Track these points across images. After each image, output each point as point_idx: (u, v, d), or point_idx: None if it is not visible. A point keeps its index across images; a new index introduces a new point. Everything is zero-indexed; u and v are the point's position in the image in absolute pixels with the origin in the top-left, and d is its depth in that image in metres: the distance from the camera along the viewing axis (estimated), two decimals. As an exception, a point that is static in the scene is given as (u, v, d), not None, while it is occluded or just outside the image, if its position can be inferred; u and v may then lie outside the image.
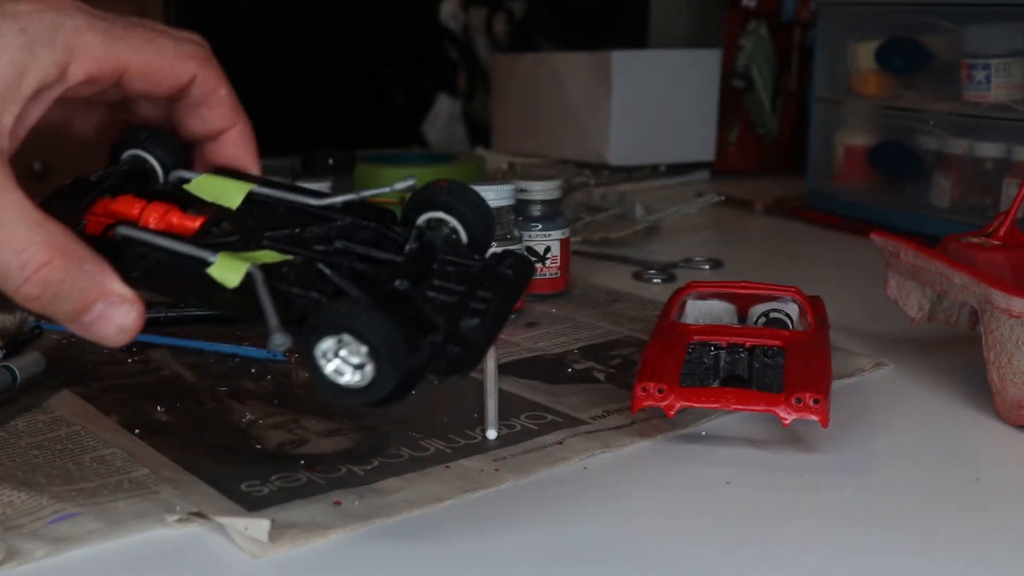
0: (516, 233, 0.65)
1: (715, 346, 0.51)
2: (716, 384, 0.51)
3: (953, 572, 0.37)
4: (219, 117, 0.44)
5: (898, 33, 0.93)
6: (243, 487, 0.42)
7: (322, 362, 0.35)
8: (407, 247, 0.40)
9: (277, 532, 0.38)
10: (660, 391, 0.46)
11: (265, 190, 0.43)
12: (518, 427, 0.49)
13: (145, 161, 0.44)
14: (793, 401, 0.45)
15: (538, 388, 0.54)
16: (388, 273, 0.38)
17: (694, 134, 1.25)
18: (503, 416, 0.49)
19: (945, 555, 0.38)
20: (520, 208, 0.70)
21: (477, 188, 0.64)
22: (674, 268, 0.80)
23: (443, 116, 1.54)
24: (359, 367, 0.35)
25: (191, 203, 0.43)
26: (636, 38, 1.44)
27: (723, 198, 1.05)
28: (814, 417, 0.45)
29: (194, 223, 0.42)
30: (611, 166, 1.23)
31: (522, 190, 0.70)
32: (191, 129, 0.45)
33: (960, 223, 0.82)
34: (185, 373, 0.56)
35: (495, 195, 0.64)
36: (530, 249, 0.69)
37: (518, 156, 1.31)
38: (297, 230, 0.41)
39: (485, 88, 1.51)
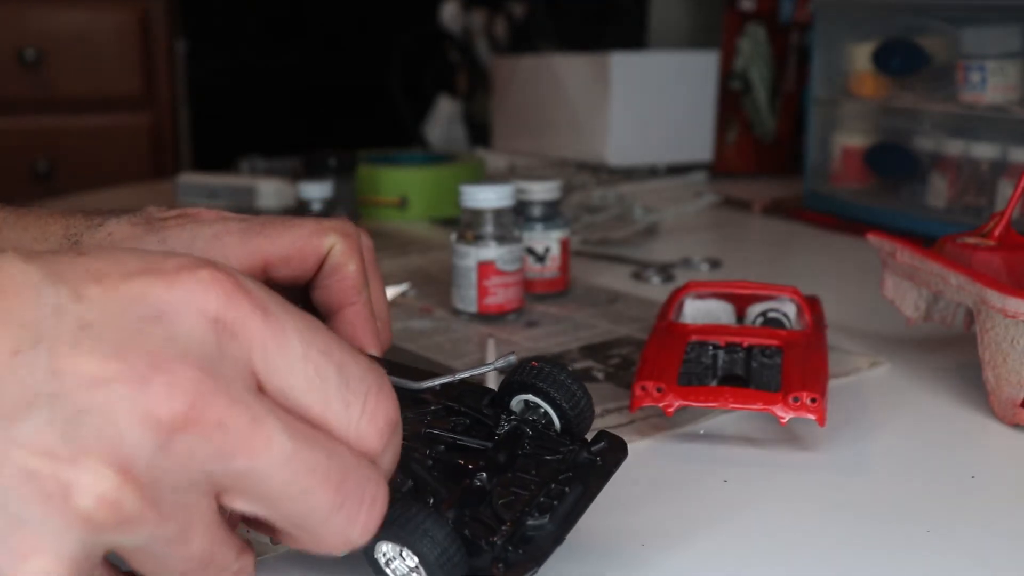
0: (516, 233, 0.66)
1: (713, 345, 0.51)
2: (714, 383, 0.51)
3: (949, 569, 0.38)
4: (342, 292, 0.45)
5: (895, 35, 0.93)
6: (247, 485, 0.42)
7: (382, 562, 0.35)
8: (497, 432, 0.39)
9: (281, 529, 0.38)
10: (659, 390, 0.46)
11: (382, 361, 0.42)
12: (518, 426, 0.49)
13: None
14: (790, 400, 0.45)
15: (538, 387, 0.54)
16: (473, 462, 0.37)
17: (692, 135, 1.26)
18: (503, 415, 0.49)
19: (941, 552, 0.39)
20: (520, 208, 0.70)
21: (478, 188, 0.65)
22: (673, 268, 0.81)
23: (443, 117, 1.55)
24: (414, 570, 0.34)
25: None
26: (635, 40, 1.44)
27: (721, 199, 1.06)
28: (811, 416, 0.45)
29: None
30: (610, 167, 1.23)
31: (522, 190, 0.70)
32: (321, 299, 0.46)
33: (956, 223, 0.83)
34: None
35: (495, 195, 0.65)
36: (530, 249, 0.70)
37: (518, 156, 1.31)
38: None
39: (485, 89, 1.51)
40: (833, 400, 0.51)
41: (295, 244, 0.44)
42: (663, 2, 1.46)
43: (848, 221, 0.95)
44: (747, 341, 0.51)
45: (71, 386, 0.26)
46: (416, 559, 0.34)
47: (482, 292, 0.65)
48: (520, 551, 0.35)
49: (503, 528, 0.35)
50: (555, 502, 0.36)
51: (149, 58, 1.85)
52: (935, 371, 0.58)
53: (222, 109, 1.95)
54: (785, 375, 0.47)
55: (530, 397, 0.39)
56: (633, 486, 0.44)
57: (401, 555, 0.34)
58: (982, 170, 0.85)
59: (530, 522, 0.35)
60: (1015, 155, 0.83)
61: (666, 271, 0.80)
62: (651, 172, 1.25)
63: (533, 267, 0.70)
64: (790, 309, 0.55)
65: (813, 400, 0.45)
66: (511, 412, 0.40)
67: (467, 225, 0.66)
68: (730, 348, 0.51)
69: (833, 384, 0.53)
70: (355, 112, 2.06)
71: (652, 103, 1.23)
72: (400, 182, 1.01)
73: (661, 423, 0.50)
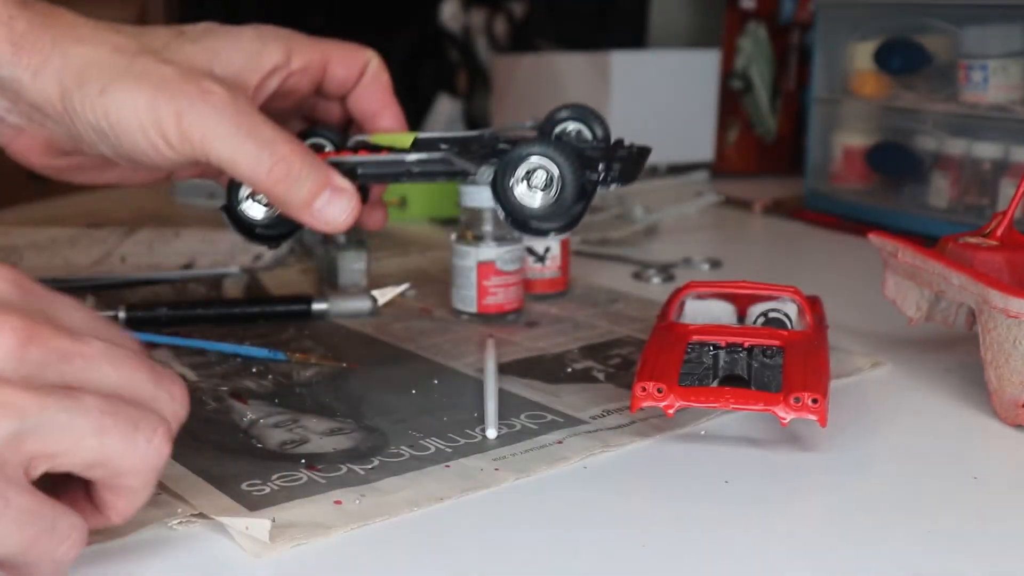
0: (516, 233, 0.66)
1: (714, 346, 0.51)
2: (715, 384, 0.51)
3: (950, 570, 0.38)
4: (383, 95, 0.58)
5: (896, 34, 0.93)
6: (244, 486, 0.42)
7: (516, 190, 0.48)
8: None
9: (278, 531, 0.38)
10: (659, 391, 0.46)
11: (427, 134, 0.53)
12: (518, 426, 0.49)
13: (323, 145, 0.55)
14: (791, 400, 0.45)
15: (538, 388, 0.54)
16: None
17: (693, 135, 1.25)
18: (503, 415, 0.49)
19: (942, 553, 0.39)
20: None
21: (478, 188, 0.65)
22: (673, 268, 0.80)
23: (443, 116, 1.54)
24: (545, 188, 0.47)
25: (373, 149, 0.53)
26: (635, 39, 1.44)
27: (722, 198, 1.05)
28: (812, 416, 0.45)
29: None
30: (610, 166, 1.23)
31: (522, 190, 0.70)
32: (362, 106, 0.58)
33: (958, 223, 0.82)
34: (186, 372, 0.56)
35: (495, 195, 0.65)
36: (530, 249, 0.69)
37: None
38: (461, 147, 0.51)
39: (485, 88, 1.51)
40: (834, 400, 0.51)
41: (349, 49, 0.56)
42: (663, 2, 1.46)
43: (849, 221, 0.95)
44: (748, 341, 0.51)
45: None
46: (553, 167, 0.47)
47: (482, 292, 0.65)
48: (619, 165, 0.49)
49: (599, 162, 0.49)
50: (625, 152, 0.51)
51: (149, 58, 1.85)
52: (937, 371, 0.57)
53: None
54: (786, 375, 0.47)
55: (569, 124, 0.54)
56: (633, 486, 0.44)
57: (531, 182, 0.48)
58: (984, 170, 0.85)
59: (612, 163, 0.49)
60: (1017, 155, 0.83)
61: (666, 271, 0.79)
62: (651, 172, 1.25)
63: (533, 267, 0.70)
64: (791, 309, 0.55)
65: (814, 401, 0.45)
66: (556, 134, 0.54)
67: (467, 225, 0.65)
68: (731, 348, 0.51)
69: (834, 384, 0.53)
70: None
71: (652, 103, 1.23)
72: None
73: (662, 424, 0.49)
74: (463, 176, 0.49)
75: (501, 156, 0.49)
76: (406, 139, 0.52)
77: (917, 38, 0.91)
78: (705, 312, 0.56)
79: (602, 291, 0.73)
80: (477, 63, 1.56)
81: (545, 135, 0.53)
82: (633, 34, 1.44)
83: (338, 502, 0.41)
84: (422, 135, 0.53)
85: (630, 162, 0.49)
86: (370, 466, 0.45)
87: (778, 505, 0.42)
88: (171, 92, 0.47)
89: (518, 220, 0.48)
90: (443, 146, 0.52)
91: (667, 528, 0.40)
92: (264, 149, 0.47)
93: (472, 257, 0.64)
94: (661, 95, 1.23)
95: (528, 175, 0.47)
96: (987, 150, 0.85)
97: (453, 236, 0.66)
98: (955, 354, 0.59)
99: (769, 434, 0.49)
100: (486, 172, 0.48)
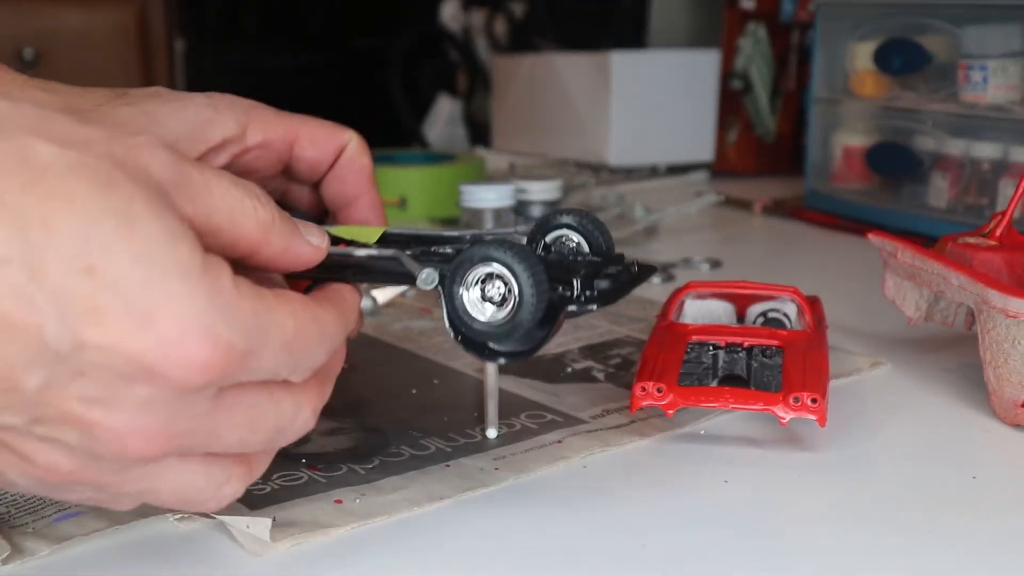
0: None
1: (714, 346, 0.51)
2: (715, 383, 0.51)
3: (949, 570, 0.38)
4: (359, 182, 0.49)
5: (896, 34, 0.93)
6: (245, 486, 0.42)
7: (465, 299, 0.39)
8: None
9: (278, 531, 0.38)
10: (659, 390, 0.46)
11: (398, 230, 0.46)
12: (518, 426, 0.49)
13: None
14: (791, 400, 0.45)
15: (538, 387, 0.54)
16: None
17: (693, 135, 1.25)
18: (503, 415, 0.49)
19: (941, 553, 0.39)
20: (520, 208, 0.70)
21: (478, 188, 0.65)
22: (673, 268, 0.81)
23: (443, 116, 1.55)
24: (502, 302, 0.38)
25: (334, 242, 0.46)
26: (635, 40, 1.44)
27: (722, 198, 1.05)
28: (812, 416, 0.45)
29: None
30: (611, 167, 1.23)
31: (522, 190, 0.70)
32: (335, 193, 0.50)
33: (957, 223, 0.83)
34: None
35: (495, 195, 0.65)
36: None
37: (518, 156, 1.31)
38: (432, 248, 0.44)
39: (485, 88, 1.51)
40: (834, 400, 0.51)
41: (323, 128, 0.49)
42: (663, 2, 1.46)
43: (849, 221, 0.95)
44: (748, 341, 0.51)
45: (56, 416, 0.28)
46: (510, 275, 0.38)
47: (482, 292, 0.64)
48: (605, 283, 0.40)
49: (577, 278, 0.39)
50: (615, 271, 0.42)
51: (147, 57, 1.85)
52: (936, 371, 0.57)
53: (222, 109, 1.94)
54: (786, 375, 0.47)
55: (564, 232, 0.45)
56: (633, 487, 0.44)
57: (485, 291, 0.38)
58: (983, 170, 0.85)
59: (597, 281, 0.40)
60: (1016, 155, 0.83)
61: (666, 271, 0.79)
62: (651, 172, 1.25)
63: (533, 267, 0.70)
64: (791, 309, 0.55)
65: (814, 400, 0.45)
66: (548, 244, 0.45)
67: (467, 225, 0.66)
68: (730, 348, 0.51)
69: (834, 384, 0.53)
70: (354, 112, 2.06)
71: (652, 103, 1.23)
72: (400, 182, 1.01)
73: (661, 424, 0.49)
74: (407, 279, 0.40)
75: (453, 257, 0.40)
76: (373, 233, 0.45)
77: (917, 38, 0.91)
78: (705, 312, 0.56)
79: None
80: (477, 63, 1.56)
81: (529, 242, 0.45)
82: (633, 34, 1.44)
83: (338, 501, 0.41)
84: (393, 230, 0.46)
85: (620, 282, 0.42)
86: (370, 466, 0.45)
87: (778, 505, 0.42)
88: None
89: (463, 335, 0.39)
90: (410, 245, 0.44)
91: (667, 528, 0.40)
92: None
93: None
94: (661, 95, 1.23)
95: (483, 284, 0.38)
96: (986, 150, 0.85)
97: (453, 236, 0.66)
98: (954, 354, 0.59)
99: (768, 434, 0.49)
100: (430, 276, 0.39)
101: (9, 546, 0.37)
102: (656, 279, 0.78)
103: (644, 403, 0.46)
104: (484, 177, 1.09)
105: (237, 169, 0.48)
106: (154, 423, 0.29)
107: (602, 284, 0.40)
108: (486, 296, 0.38)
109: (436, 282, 0.39)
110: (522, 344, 0.39)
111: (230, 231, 0.32)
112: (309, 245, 0.36)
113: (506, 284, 0.38)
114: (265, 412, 0.33)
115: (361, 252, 0.40)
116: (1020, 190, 0.57)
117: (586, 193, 1.04)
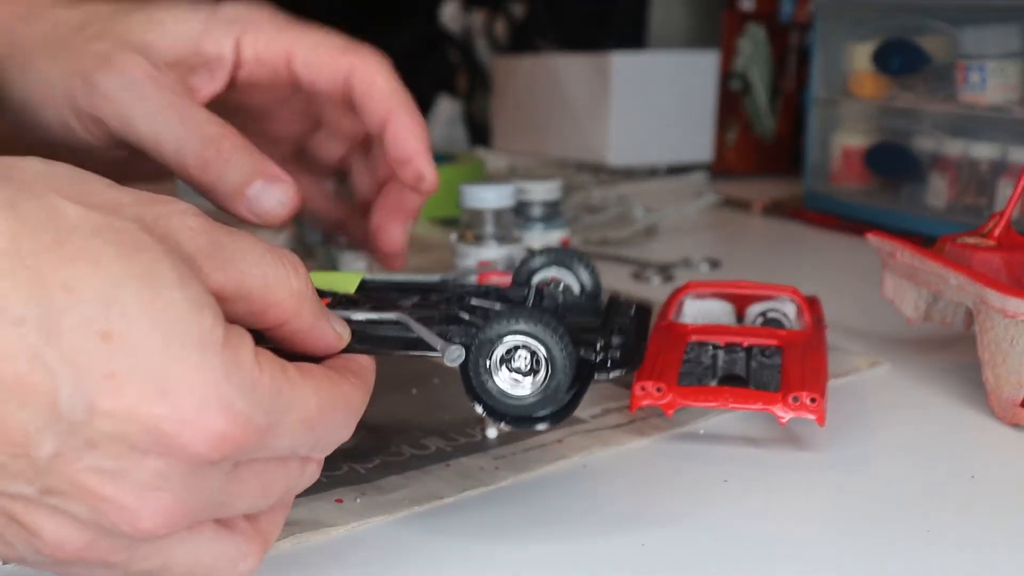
0: (516, 234, 0.66)
1: (713, 345, 0.51)
2: (714, 383, 0.51)
3: (948, 569, 0.38)
4: (378, 108, 0.46)
5: (895, 35, 0.93)
6: (246, 485, 0.42)
7: (493, 375, 0.37)
8: (528, 303, 0.43)
9: (280, 529, 0.39)
10: (658, 390, 0.46)
11: (375, 276, 0.45)
12: (518, 426, 0.49)
13: None
14: (790, 400, 0.45)
15: (538, 387, 0.54)
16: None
17: (693, 135, 1.26)
18: (503, 415, 0.49)
19: (940, 552, 0.39)
20: (520, 208, 0.70)
21: (478, 188, 0.65)
22: (672, 268, 0.81)
23: (443, 117, 1.55)
24: (530, 373, 0.37)
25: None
26: (635, 40, 1.44)
27: (722, 199, 1.06)
28: (811, 416, 0.45)
29: None
30: (610, 167, 1.23)
31: (522, 191, 0.70)
32: (364, 125, 0.47)
33: (956, 223, 0.83)
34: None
35: (495, 195, 0.65)
36: (530, 250, 0.70)
37: (518, 156, 1.31)
38: (419, 298, 0.43)
39: (485, 89, 1.51)
40: (833, 400, 0.51)
41: (321, 50, 0.46)
42: (663, 2, 1.46)
43: (848, 221, 0.95)
44: (747, 341, 0.51)
45: (66, 488, 0.27)
46: (540, 347, 0.36)
47: (482, 292, 0.64)
48: (621, 348, 0.39)
49: (597, 339, 0.39)
50: (624, 327, 0.41)
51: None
52: (935, 371, 0.58)
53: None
54: (785, 375, 0.47)
55: (552, 272, 0.44)
56: (633, 486, 0.44)
57: (512, 365, 0.37)
58: (982, 170, 0.85)
59: (614, 339, 0.39)
60: (1015, 155, 0.83)
61: (666, 271, 0.80)
62: (651, 172, 1.25)
63: (533, 267, 0.70)
64: (790, 309, 0.55)
65: (813, 400, 0.45)
66: (536, 287, 0.44)
67: (467, 225, 0.66)
68: (730, 348, 0.51)
69: (833, 384, 0.53)
70: (355, 112, 2.05)
71: (652, 103, 1.23)
72: (400, 182, 1.01)
73: (661, 423, 0.50)
74: (422, 349, 0.38)
75: (468, 326, 0.39)
76: (350, 280, 0.43)
77: (916, 39, 0.91)
78: (704, 312, 0.56)
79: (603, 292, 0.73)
80: (477, 64, 1.56)
81: (522, 292, 0.44)
82: (633, 35, 1.44)
83: (339, 500, 0.41)
84: (370, 277, 0.45)
85: (630, 335, 0.41)
86: (371, 465, 0.45)
87: (777, 504, 0.43)
88: (88, 64, 0.43)
89: (497, 412, 0.38)
90: (393, 295, 0.43)
91: (666, 527, 0.41)
92: (191, 129, 0.43)
93: (472, 257, 0.65)
94: (661, 96, 1.23)
95: (507, 356, 0.37)
96: (985, 150, 0.85)
97: (454, 236, 0.66)
98: (953, 354, 0.60)
99: (768, 433, 0.49)
100: (454, 352, 0.37)
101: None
102: (656, 279, 0.78)
103: (644, 402, 0.46)
104: (484, 177, 1.09)
105: (239, 85, 0.47)
106: (167, 499, 0.28)
107: (617, 340, 0.40)
108: (512, 367, 0.37)
109: (462, 359, 0.37)
110: (554, 407, 0.38)
111: (263, 298, 0.31)
112: (334, 331, 0.35)
113: (532, 354, 0.37)
114: (276, 479, 0.32)
115: (359, 316, 0.38)
116: (1019, 190, 0.57)
117: (586, 193, 1.04)
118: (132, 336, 0.26)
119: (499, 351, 0.37)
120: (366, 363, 0.36)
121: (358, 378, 0.34)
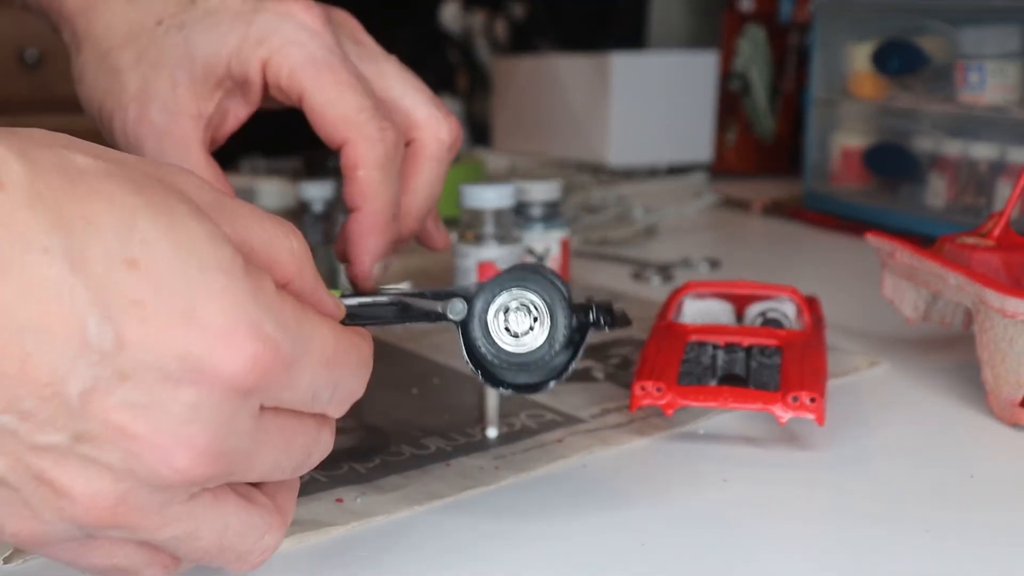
0: (516, 234, 0.66)
1: (713, 345, 0.52)
2: (714, 383, 0.51)
3: (947, 568, 0.38)
4: (351, 194, 0.45)
5: (894, 35, 0.93)
6: (247, 484, 0.43)
7: (495, 331, 0.38)
8: None
9: (281, 528, 0.39)
10: (658, 390, 0.46)
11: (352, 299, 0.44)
12: (518, 425, 0.49)
13: None
14: (789, 399, 0.45)
15: (537, 387, 0.54)
16: None
17: (692, 135, 1.26)
18: (503, 414, 0.49)
19: (939, 551, 0.39)
20: (520, 209, 0.70)
21: (478, 188, 0.65)
22: (672, 268, 0.81)
23: (443, 117, 1.55)
24: (528, 331, 0.38)
25: None
26: (635, 40, 1.44)
27: (721, 199, 1.06)
28: (810, 415, 0.45)
29: None
30: (610, 167, 1.23)
31: (522, 190, 0.70)
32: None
33: (955, 224, 0.83)
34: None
35: (495, 195, 0.65)
36: (530, 250, 0.70)
37: (518, 156, 1.31)
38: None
39: (485, 89, 1.51)
40: (832, 400, 0.51)
41: (324, 108, 0.45)
42: (663, 2, 1.47)
43: (847, 221, 0.96)
44: (746, 341, 0.51)
45: (98, 430, 0.26)
46: (539, 301, 0.38)
47: (482, 292, 0.65)
48: (621, 309, 0.40)
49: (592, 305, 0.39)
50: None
51: (149, 58, 1.85)
52: (934, 371, 0.58)
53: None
54: (784, 375, 0.48)
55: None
56: (633, 485, 0.44)
57: (509, 323, 0.38)
58: (981, 170, 0.85)
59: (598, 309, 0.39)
60: (1014, 155, 0.83)
61: (666, 271, 0.80)
62: (651, 172, 1.25)
63: (533, 267, 0.70)
64: (789, 309, 0.55)
65: (812, 400, 0.45)
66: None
67: (467, 225, 0.66)
68: (729, 348, 0.51)
69: (832, 384, 0.53)
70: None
71: (652, 103, 1.23)
72: (400, 182, 1.01)
73: (660, 423, 0.50)
74: (420, 319, 0.39)
75: (463, 292, 0.39)
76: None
77: (915, 39, 0.91)
78: (704, 312, 0.56)
79: (602, 291, 0.74)
80: (477, 64, 1.56)
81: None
82: (633, 35, 1.44)
83: (339, 500, 0.41)
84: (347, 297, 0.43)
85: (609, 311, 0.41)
86: (371, 465, 0.45)
87: (776, 503, 0.43)
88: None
89: (496, 378, 0.39)
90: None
91: (666, 527, 0.41)
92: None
93: (472, 257, 0.65)
94: (660, 96, 1.23)
95: (506, 316, 0.38)
96: (984, 151, 0.85)
97: (453, 236, 0.66)
98: (952, 353, 0.60)
99: (767, 433, 0.49)
100: (457, 304, 0.38)
101: (9, 547, 0.37)
102: (655, 279, 0.78)
103: (643, 402, 0.47)
104: (485, 177, 1.09)
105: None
106: (200, 435, 0.27)
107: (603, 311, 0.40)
108: (509, 328, 0.38)
109: (465, 311, 0.38)
110: (548, 374, 0.39)
111: (266, 253, 0.31)
112: (334, 299, 0.35)
113: (531, 312, 0.38)
114: (296, 435, 0.31)
115: (353, 301, 0.39)
116: (1018, 190, 0.57)
117: (585, 193, 1.04)
118: (156, 264, 0.26)
119: (500, 301, 0.38)
120: (365, 332, 0.36)
121: (363, 339, 0.34)
